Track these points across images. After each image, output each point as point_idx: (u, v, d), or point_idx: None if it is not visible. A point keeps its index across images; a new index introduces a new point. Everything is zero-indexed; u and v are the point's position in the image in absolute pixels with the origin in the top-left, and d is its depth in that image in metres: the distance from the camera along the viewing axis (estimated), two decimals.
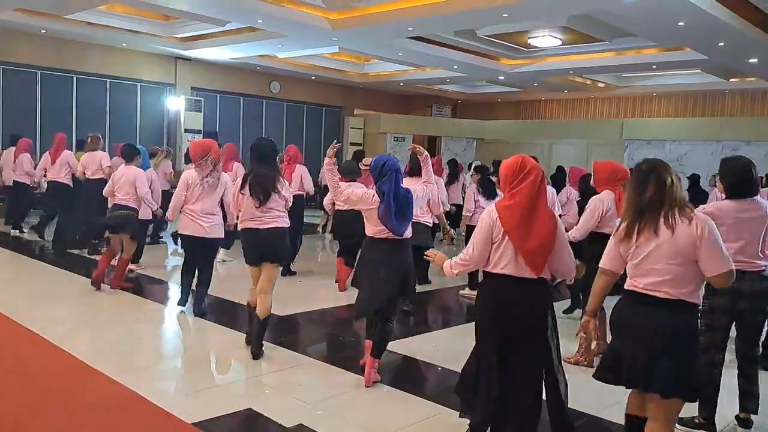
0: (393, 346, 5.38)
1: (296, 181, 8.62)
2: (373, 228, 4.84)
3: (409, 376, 5.12)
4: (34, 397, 4.28)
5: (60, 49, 14.86)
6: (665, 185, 3.16)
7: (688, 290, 3.13)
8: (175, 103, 17.07)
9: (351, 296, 7.49)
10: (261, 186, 5.37)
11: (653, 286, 3.14)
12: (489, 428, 3.68)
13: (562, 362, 3.82)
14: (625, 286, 3.29)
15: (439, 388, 5.01)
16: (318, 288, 8.23)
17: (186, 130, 16.95)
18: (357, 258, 7.80)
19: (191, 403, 4.36)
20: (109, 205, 8.12)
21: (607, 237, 5.18)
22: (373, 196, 4.76)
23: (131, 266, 8.29)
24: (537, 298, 3.63)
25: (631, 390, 3.33)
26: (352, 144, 20.48)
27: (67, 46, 14.91)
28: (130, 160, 7.71)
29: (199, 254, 6.54)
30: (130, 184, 7.51)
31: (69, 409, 4.19)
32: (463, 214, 8.05)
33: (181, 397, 4.49)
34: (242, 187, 5.43)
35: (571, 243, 3.94)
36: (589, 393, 4.71)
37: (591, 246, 5.39)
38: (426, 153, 5.37)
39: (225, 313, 6.82)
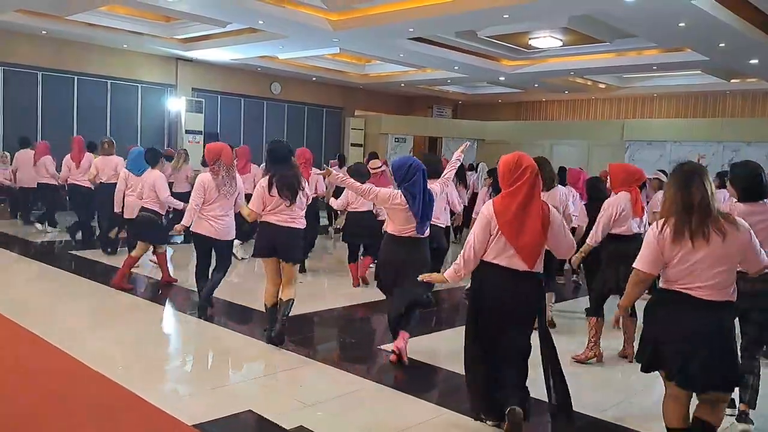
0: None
1: (312, 184, 8.69)
2: (396, 227, 5.04)
3: (412, 377, 5.10)
4: (33, 399, 4.27)
5: (61, 50, 14.87)
6: (707, 191, 3.26)
7: (729, 290, 3.29)
8: (176, 104, 17.07)
9: (353, 297, 7.55)
10: (288, 187, 5.58)
11: (700, 289, 3.25)
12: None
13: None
14: (666, 287, 3.36)
15: (441, 389, 5.00)
16: (321, 289, 8.23)
17: (187, 131, 16.95)
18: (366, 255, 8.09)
19: (191, 404, 4.35)
20: (116, 209, 8.49)
21: (619, 237, 5.40)
22: (400, 196, 4.95)
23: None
24: (528, 289, 3.86)
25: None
26: (353, 145, 20.52)
27: (68, 47, 14.92)
28: (155, 164, 7.85)
29: (209, 253, 6.65)
30: (150, 188, 7.66)
31: (69, 410, 4.18)
32: (473, 216, 8.06)
33: (181, 399, 4.49)
34: (270, 189, 5.57)
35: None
36: (589, 395, 4.71)
37: (606, 247, 5.42)
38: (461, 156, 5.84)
39: (226, 314, 6.82)
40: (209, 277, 6.64)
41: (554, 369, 3.96)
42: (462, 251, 3.90)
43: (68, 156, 10.55)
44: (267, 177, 5.66)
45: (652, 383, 5.04)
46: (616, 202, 5.46)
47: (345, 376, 5.04)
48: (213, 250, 6.59)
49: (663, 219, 3.33)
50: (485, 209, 3.85)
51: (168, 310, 7.08)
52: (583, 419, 4.30)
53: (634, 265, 3.42)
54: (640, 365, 3.52)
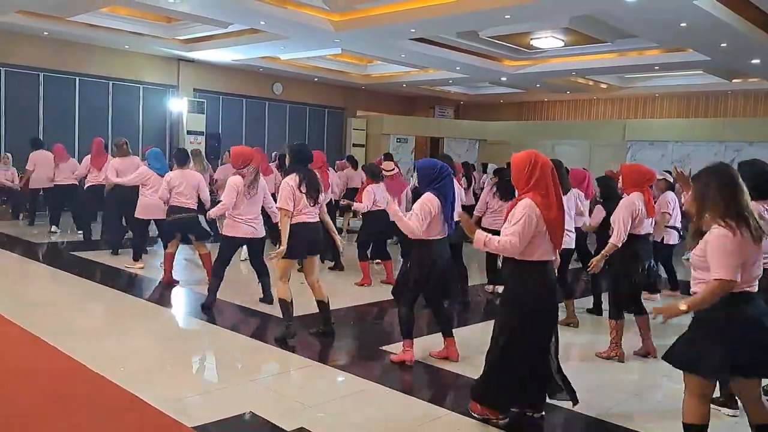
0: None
1: (328, 186, 8.88)
2: (430, 230, 5.04)
3: (415, 378, 5.10)
4: (34, 400, 4.28)
5: (62, 51, 14.89)
6: (747, 193, 3.36)
7: None
8: (178, 105, 17.09)
9: (357, 298, 7.55)
10: (314, 187, 5.78)
11: (754, 283, 3.37)
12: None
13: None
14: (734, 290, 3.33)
15: (444, 390, 4.99)
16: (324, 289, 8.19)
17: (188, 132, 16.97)
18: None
19: (192, 406, 4.35)
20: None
21: (635, 237, 5.46)
22: (437, 201, 5.02)
23: (135, 265, 8.68)
24: (555, 277, 4.23)
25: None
26: (355, 145, 20.52)
27: (70, 48, 14.94)
28: (184, 164, 7.95)
29: (250, 254, 7.05)
30: (192, 188, 7.76)
31: (69, 412, 4.18)
32: (475, 214, 8.03)
33: (182, 401, 4.48)
34: (300, 186, 5.70)
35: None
36: (592, 394, 4.69)
37: (620, 248, 5.42)
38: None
39: (228, 316, 6.81)
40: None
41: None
42: (506, 240, 3.95)
43: (87, 157, 10.60)
44: (295, 176, 5.72)
45: (656, 383, 5.06)
46: (632, 202, 5.49)
47: (347, 376, 5.04)
48: (248, 251, 7.04)
49: (724, 223, 3.27)
50: (529, 209, 3.93)
51: (169, 311, 7.09)
52: (585, 419, 4.31)
53: (717, 277, 3.23)
54: (702, 375, 3.38)
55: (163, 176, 8.04)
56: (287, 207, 5.62)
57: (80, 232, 11.15)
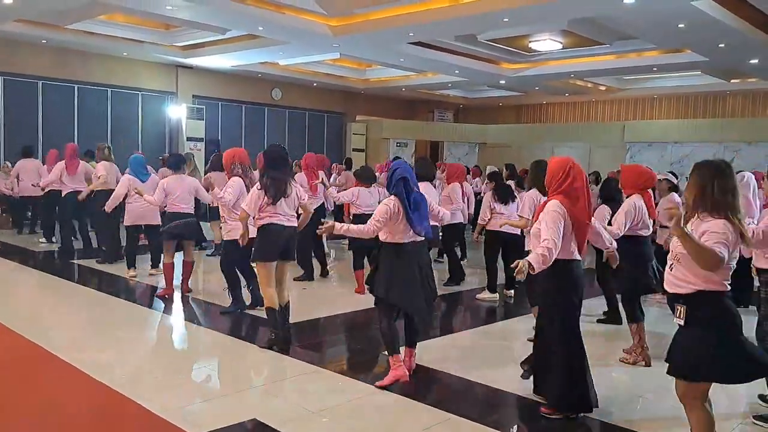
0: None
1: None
2: (394, 233, 4.97)
3: (418, 383, 5.07)
4: (34, 408, 4.26)
5: (61, 59, 14.91)
6: None
7: None
8: (177, 112, 17.11)
9: (358, 303, 7.51)
10: (279, 191, 5.71)
11: None
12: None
13: None
14: None
15: (447, 393, 4.97)
16: (326, 294, 8.19)
17: (188, 139, 16.99)
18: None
19: (195, 413, 4.32)
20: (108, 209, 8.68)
21: (645, 239, 5.54)
22: (393, 202, 4.99)
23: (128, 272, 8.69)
24: None
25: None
26: (354, 150, 20.55)
27: (68, 55, 14.96)
28: (178, 169, 7.81)
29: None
30: (188, 193, 7.65)
31: (70, 421, 4.17)
32: (479, 222, 7.84)
33: (185, 408, 4.45)
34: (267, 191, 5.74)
35: None
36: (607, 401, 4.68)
37: (631, 249, 5.40)
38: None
39: (228, 322, 6.79)
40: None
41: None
42: (544, 250, 3.95)
43: (60, 164, 10.38)
44: (265, 180, 5.77)
45: (660, 387, 5.03)
46: (632, 203, 5.49)
47: (351, 382, 5.02)
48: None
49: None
50: (558, 208, 4.10)
51: (169, 318, 7.07)
52: (590, 422, 4.29)
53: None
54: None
55: (144, 183, 8.12)
56: (247, 210, 5.68)
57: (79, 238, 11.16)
